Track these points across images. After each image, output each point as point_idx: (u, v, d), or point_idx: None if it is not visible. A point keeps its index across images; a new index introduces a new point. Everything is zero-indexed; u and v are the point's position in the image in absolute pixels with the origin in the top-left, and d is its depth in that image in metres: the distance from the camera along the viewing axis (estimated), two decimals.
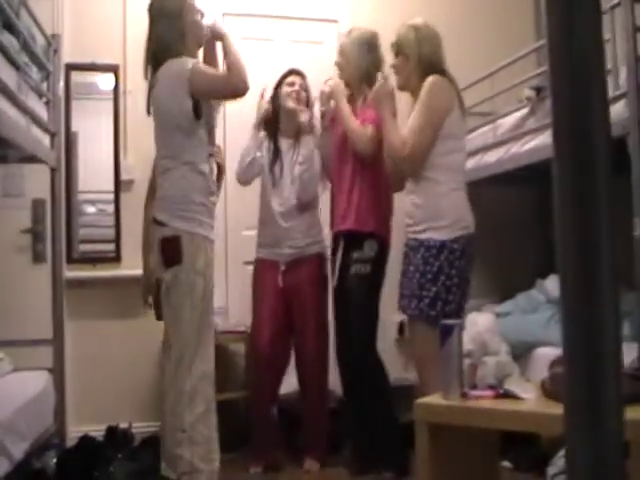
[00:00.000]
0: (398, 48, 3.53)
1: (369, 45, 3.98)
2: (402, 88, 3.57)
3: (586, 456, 0.68)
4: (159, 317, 3.35)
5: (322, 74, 4.32)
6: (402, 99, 3.65)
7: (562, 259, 0.68)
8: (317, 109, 4.24)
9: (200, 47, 3.40)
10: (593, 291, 0.67)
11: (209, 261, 3.22)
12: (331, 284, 4.06)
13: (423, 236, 3.34)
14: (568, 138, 0.68)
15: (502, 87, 4.42)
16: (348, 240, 3.93)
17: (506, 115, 4.28)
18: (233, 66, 3.21)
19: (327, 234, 4.27)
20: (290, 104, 4.22)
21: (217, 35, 3.38)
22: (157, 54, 3.22)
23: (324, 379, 4.19)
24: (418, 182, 3.42)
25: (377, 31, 4.04)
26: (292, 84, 4.27)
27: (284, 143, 4.29)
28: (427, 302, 3.28)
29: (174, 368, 3.13)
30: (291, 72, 4.35)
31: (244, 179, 4.28)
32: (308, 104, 4.27)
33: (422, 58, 3.43)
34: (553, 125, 0.67)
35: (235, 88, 3.24)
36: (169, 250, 3.16)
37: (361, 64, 3.94)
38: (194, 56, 3.31)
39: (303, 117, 4.18)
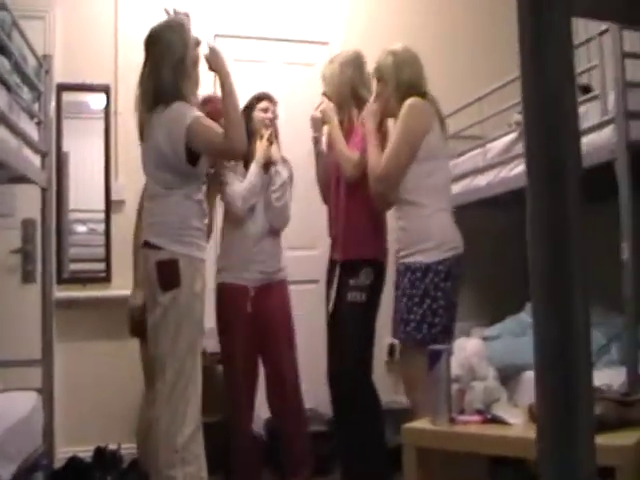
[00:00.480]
0: (378, 74, 3.59)
1: (354, 64, 3.94)
2: (383, 114, 3.61)
3: None
4: (134, 332, 3.37)
5: (314, 96, 4.33)
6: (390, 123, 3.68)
7: (533, 284, 0.69)
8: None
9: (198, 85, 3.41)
10: (565, 313, 0.68)
11: (204, 284, 3.26)
12: (326, 310, 4.05)
13: (410, 260, 3.36)
14: (540, 170, 0.69)
15: (492, 111, 4.45)
16: (344, 266, 3.93)
17: (495, 139, 4.31)
18: (232, 127, 3.20)
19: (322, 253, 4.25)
20: (264, 143, 4.09)
21: (214, 68, 3.37)
22: (157, 97, 3.22)
23: (300, 402, 4.16)
24: (402, 206, 3.45)
25: (360, 50, 4.01)
26: (266, 110, 4.19)
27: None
28: (413, 326, 3.30)
29: (169, 390, 3.14)
30: (264, 97, 4.24)
31: (244, 215, 4.21)
32: (276, 133, 4.23)
33: (400, 82, 3.47)
34: (525, 156, 0.69)
35: (232, 151, 3.28)
36: (166, 273, 3.17)
37: (347, 83, 3.90)
38: (193, 94, 3.33)
39: (275, 156, 4.11)
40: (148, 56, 3.30)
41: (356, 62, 3.96)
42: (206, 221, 3.38)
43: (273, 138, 4.13)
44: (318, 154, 4.17)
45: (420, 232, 3.36)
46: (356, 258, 3.89)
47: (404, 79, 3.46)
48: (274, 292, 4.12)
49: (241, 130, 3.25)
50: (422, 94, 3.45)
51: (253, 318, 4.05)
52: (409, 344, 3.37)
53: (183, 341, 3.14)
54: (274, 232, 4.16)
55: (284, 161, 4.21)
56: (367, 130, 3.57)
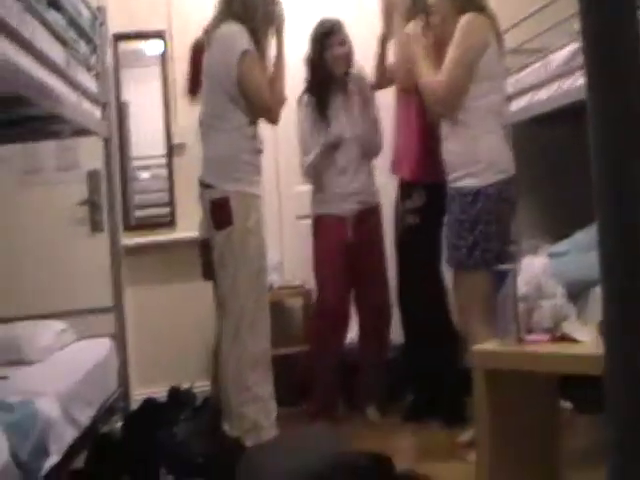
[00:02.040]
0: None
1: None
2: (442, 32, 3.47)
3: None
4: (206, 276, 3.38)
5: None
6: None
7: (598, 196, 0.65)
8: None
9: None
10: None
11: (260, 218, 3.25)
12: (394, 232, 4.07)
13: (459, 184, 3.28)
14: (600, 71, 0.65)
15: (552, 22, 4.27)
16: (402, 188, 3.92)
17: (557, 50, 4.13)
18: (277, 96, 3.31)
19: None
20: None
21: (279, 29, 3.43)
22: (226, 9, 3.26)
23: (387, 330, 4.18)
24: (451, 126, 3.35)
25: None
26: (342, 43, 4.09)
27: (336, 102, 4.17)
28: (464, 252, 3.24)
29: (234, 330, 3.17)
30: (333, 28, 4.10)
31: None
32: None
33: None
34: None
35: (269, 113, 3.30)
36: (219, 212, 3.18)
37: None
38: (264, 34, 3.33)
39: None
40: None
41: None
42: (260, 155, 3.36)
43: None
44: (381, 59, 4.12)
45: (469, 154, 3.27)
46: (409, 179, 3.86)
47: None
48: (371, 218, 4.15)
49: (283, 99, 3.34)
50: (480, 8, 3.31)
51: (350, 246, 4.08)
52: (461, 270, 3.31)
53: (242, 279, 3.15)
54: (366, 160, 4.16)
55: (360, 78, 4.17)
56: (416, 48, 3.45)
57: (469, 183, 3.24)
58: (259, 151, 3.36)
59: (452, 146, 3.35)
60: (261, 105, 3.27)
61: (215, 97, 3.26)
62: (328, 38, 4.06)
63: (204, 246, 3.38)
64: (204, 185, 3.27)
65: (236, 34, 3.19)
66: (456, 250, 3.27)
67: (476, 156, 3.24)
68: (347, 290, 4.12)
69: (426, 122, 3.74)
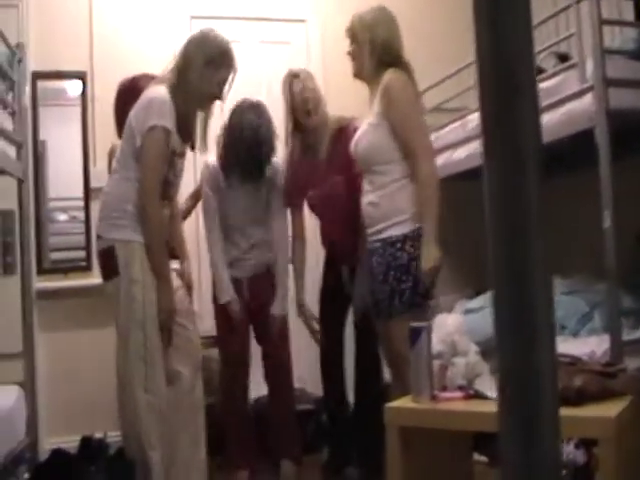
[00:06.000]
0: (352, 33, 3.45)
1: None
2: (357, 75, 3.50)
3: (518, 465, 0.65)
4: None
5: None
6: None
7: (493, 255, 0.65)
8: None
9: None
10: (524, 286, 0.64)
11: (147, 269, 3.11)
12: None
13: (384, 235, 3.30)
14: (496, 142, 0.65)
15: (470, 83, 4.39)
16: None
17: (475, 111, 4.25)
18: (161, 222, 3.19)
19: None
20: None
21: None
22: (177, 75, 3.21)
23: (291, 381, 4.17)
24: (372, 180, 3.37)
25: None
26: None
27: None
28: (409, 294, 3.22)
29: (122, 388, 3.10)
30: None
31: None
32: None
33: (376, 42, 3.33)
34: (482, 129, 0.64)
35: (140, 197, 3.10)
36: (105, 262, 3.13)
37: None
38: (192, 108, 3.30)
39: None
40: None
41: None
42: None
43: None
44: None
45: (391, 205, 3.29)
46: None
47: (380, 39, 3.33)
48: (268, 279, 4.09)
49: (159, 224, 3.18)
50: (399, 61, 3.36)
51: (247, 304, 4.03)
52: (408, 313, 3.19)
53: (129, 330, 3.08)
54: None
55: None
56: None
57: (395, 232, 3.26)
58: None
59: (373, 198, 3.36)
60: (142, 184, 3.10)
61: (124, 144, 3.20)
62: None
63: None
64: (96, 236, 3.23)
65: (154, 103, 3.11)
66: (393, 298, 3.25)
67: (399, 206, 3.27)
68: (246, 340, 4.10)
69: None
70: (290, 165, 3.93)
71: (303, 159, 3.90)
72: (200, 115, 3.39)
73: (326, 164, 3.84)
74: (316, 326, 4.06)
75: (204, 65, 3.22)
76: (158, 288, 3.10)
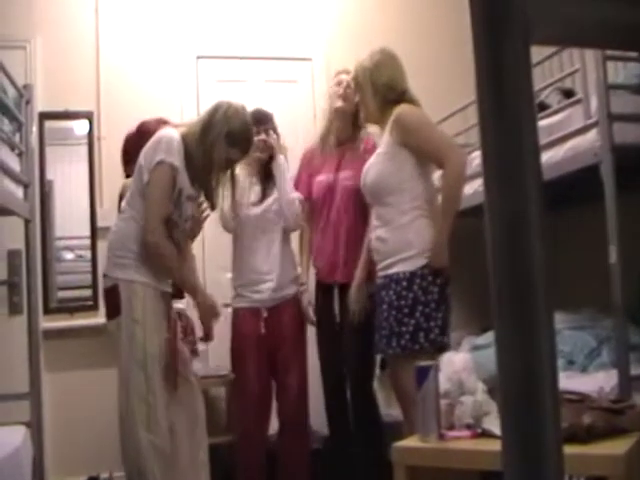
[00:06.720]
0: (356, 82, 3.50)
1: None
2: (366, 120, 3.55)
3: None
4: None
5: (297, 113, 4.30)
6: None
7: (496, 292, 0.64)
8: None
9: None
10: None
11: (150, 308, 3.11)
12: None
13: (391, 271, 3.28)
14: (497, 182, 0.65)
15: (476, 119, 4.40)
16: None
17: (479, 148, 4.26)
18: (174, 264, 3.20)
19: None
20: None
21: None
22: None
23: (306, 418, 4.11)
24: (381, 214, 3.37)
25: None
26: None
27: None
28: (408, 337, 3.20)
29: (123, 430, 3.08)
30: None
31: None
32: None
33: (378, 84, 3.35)
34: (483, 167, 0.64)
35: (144, 235, 3.10)
36: (109, 301, 3.13)
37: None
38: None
39: None
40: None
41: None
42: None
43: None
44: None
45: (401, 241, 3.28)
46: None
47: (382, 81, 3.35)
48: (287, 309, 4.06)
49: (172, 265, 3.21)
50: (404, 94, 3.36)
51: (264, 338, 3.99)
52: (405, 357, 3.22)
53: (130, 371, 3.06)
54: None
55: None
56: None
57: (402, 269, 3.25)
58: None
59: (383, 234, 3.35)
60: (146, 215, 3.12)
61: (133, 184, 3.22)
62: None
63: None
64: (103, 274, 3.23)
65: (163, 140, 3.14)
66: (398, 337, 3.23)
67: (407, 240, 3.26)
68: (267, 379, 4.05)
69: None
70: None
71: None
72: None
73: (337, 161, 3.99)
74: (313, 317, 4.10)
75: (224, 134, 3.24)
76: (195, 302, 3.33)
